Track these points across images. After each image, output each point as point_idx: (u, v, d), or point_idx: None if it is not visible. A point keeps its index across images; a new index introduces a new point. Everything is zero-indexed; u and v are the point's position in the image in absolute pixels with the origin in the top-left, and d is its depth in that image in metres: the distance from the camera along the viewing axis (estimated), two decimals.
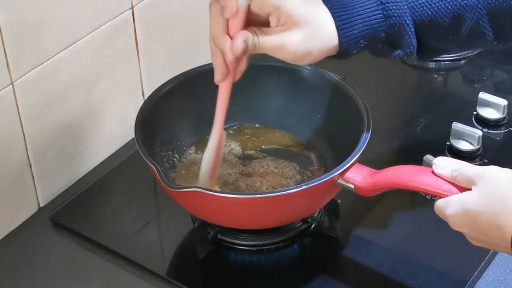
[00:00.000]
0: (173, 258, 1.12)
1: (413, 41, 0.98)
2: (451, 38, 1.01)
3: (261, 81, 1.20)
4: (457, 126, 1.25)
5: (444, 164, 0.95)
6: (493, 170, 0.91)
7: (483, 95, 1.31)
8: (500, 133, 1.29)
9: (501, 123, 1.30)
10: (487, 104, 1.30)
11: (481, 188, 0.90)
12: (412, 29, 0.97)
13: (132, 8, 1.23)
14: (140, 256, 1.10)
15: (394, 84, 1.44)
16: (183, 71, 1.18)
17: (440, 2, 0.98)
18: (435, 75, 1.49)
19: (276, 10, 0.94)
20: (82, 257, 1.12)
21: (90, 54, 1.19)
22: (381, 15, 0.96)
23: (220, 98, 1.03)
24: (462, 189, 0.93)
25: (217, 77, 1.00)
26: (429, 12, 0.97)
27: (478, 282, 1.06)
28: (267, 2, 0.94)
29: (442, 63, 1.47)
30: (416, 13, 0.97)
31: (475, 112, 1.31)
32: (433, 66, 1.48)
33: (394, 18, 0.96)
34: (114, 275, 1.09)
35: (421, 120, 1.34)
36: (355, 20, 0.96)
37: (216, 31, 0.96)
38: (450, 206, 0.93)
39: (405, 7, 0.96)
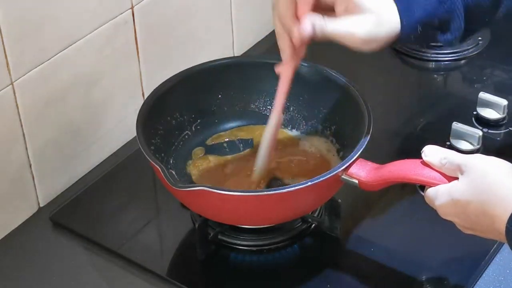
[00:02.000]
0: (173, 258, 1.12)
1: (462, 24, 0.98)
2: (488, 20, 1.02)
3: (261, 78, 1.20)
4: (457, 126, 1.25)
5: (433, 152, 0.96)
6: (479, 159, 0.92)
7: (483, 95, 1.31)
8: (500, 133, 1.29)
9: (501, 123, 1.30)
10: (487, 104, 1.30)
11: (468, 177, 0.91)
12: (463, 13, 0.97)
13: (132, 8, 1.23)
14: (140, 256, 1.10)
15: (394, 84, 1.44)
16: (182, 70, 1.18)
17: None
18: (435, 75, 1.49)
19: None
20: (82, 257, 1.12)
21: (90, 54, 1.19)
22: (437, 0, 0.97)
23: (283, 81, 1.05)
24: (450, 178, 0.95)
25: (284, 59, 1.01)
26: None
27: (478, 282, 1.06)
28: None
29: (442, 63, 1.47)
30: None
31: (475, 112, 1.31)
32: (433, 66, 1.48)
33: (448, 3, 0.97)
34: (114, 275, 1.09)
35: (421, 120, 1.34)
36: (414, 6, 0.97)
37: (284, 10, 0.96)
38: (438, 196, 0.95)
39: None
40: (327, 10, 0.97)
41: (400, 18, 0.97)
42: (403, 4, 0.97)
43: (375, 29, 0.96)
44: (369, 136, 1.05)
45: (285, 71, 1.04)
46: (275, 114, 1.08)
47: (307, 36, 0.96)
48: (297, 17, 0.97)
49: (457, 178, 0.93)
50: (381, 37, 0.97)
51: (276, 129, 1.10)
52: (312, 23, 0.95)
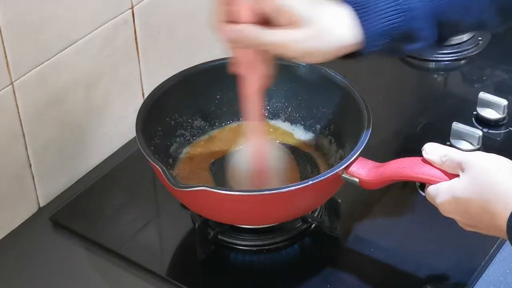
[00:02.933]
0: (173, 258, 1.12)
1: (430, 33, 0.97)
2: (459, 28, 1.01)
3: None
4: (457, 126, 1.25)
5: (433, 150, 0.97)
6: (480, 157, 0.92)
7: (483, 95, 1.31)
8: (500, 133, 1.29)
9: (501, 123, 1.30)
10: (487, 104, 1.30)
11: (469, 175, 0.92)
12: (429, 22, 0.96)
13: (132, 8, 1.23)
14: (140, 256, 1.10)
15: (394, 84, 1.44)
16: (182, 70, 1.18)
17: None
18: (435, 75, 1.49)
19: (278, 8, 0.94)
20: (82, 257, 1.12)
21: (90, 54, 1.19)
22: (400, 10, 0.95)
23: (247, 96, 1.02)
24: (450, 175, 0.95)
25: (232, 67, 1.00)
26: (442, 2, 0.96)
27: (478, 282, 1.06)
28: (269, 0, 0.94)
29: (442, 63, 1.47)
30: (431, 4, 0.96)
31: (475, 112, 1.31)
32: (433, 66, 1.48)
33: (412, 12, 0.95)
34: (114, 275, 1.09)
35: (421, 120, 1.34)
36: (376, 17, 0.95)
37: (216, 17, 0.96)
38: (439, 194, 0.95)
39: (421, 1, 0.95)
40: (270, 23, 0.95)
41: (361, 29, 0.95)
42: (363, 14, 0.95)
43: (313, 42, 0.94)
44: (368, 135, 1.05)
45: (246, 87, 1.01)
46: (251, 136, 1.07)
47: (227, 38, 0.95)
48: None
49: (458, 176, 0.93)
50: (322, 50, 0.95)
51: (259, 151, 1.08)
52: (237, 30, 0.94)
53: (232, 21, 0.95)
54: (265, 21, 0.95)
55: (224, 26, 0.95)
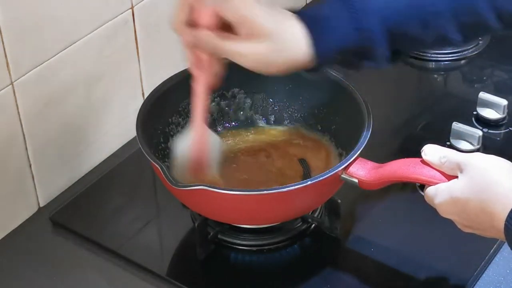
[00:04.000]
0: (173, 258, 1.12)
1: (386, 52, 0.98)
2: (418, 44, 1.04)
3: (260, 78, 1.20)
4: (457, 126, 1.25)
5: (432, 151, 0.97)
6: (479, 158, 0.93)
7: (483, 95, 1.31)
8: (500, 133, 1.29)
9: (501, 123, 1.30)
10: (487, 104, 1.30)
11: (467, 175, 0.92)
12: (384, 41, 0.97)
13: (132, 8, 1.23)
14: (140, 256, 1.10)
15: (394, 84, 1.44)
16: (182, 70, 1.18)
17: (409, 9, 0.98)
18: (435, 75, 1.49)
19: (241, 19, 0.94)
20: (82, 257, 1.12)
21: (90, 54, 1.19)
22: (354, 29, 0.96)
23: (195, 96, 1.04)
24: (449, 176, 0.95)
25: (190, 69, 1.01)
26: (398, 20, 0.97)
27: (478, 282, 1.06)
28: (234, 9, 0.94)
29: (442, 63, 1.47)
30: (386, 22, 0.97)
31: (475, 112, 1.31)
32: (433, 66, 1.48)
33: (366, 33, 0.96)
34: (114, 275, 1.09)
35: (421, 120, 1.34)
36: (328, 35, 0.96)
37: (176, 15, 0.97)
38: (438, 195, 0.95)
39: (376, 19, 0.96)
40: (230, 28, 0.96)
41: (314, 47, 0.95)
42: (316, 32, 0.95)
43: (271, 55, 0.95)
44: (368, 135, 1.05)
45: (197, 85, 1.02)
46: (195, 128, 1.07)
47: (186, 44, 0.97)
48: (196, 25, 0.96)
49: (456, 177, 0.94)
50: (277, 64, 0.96)
51: (200, 144, 1.08)
52: (195, 36, 0.95)
53: (193, 23, 0.96)
54: (225, 26, 0.96)
55: (184, 29, 0.96)
